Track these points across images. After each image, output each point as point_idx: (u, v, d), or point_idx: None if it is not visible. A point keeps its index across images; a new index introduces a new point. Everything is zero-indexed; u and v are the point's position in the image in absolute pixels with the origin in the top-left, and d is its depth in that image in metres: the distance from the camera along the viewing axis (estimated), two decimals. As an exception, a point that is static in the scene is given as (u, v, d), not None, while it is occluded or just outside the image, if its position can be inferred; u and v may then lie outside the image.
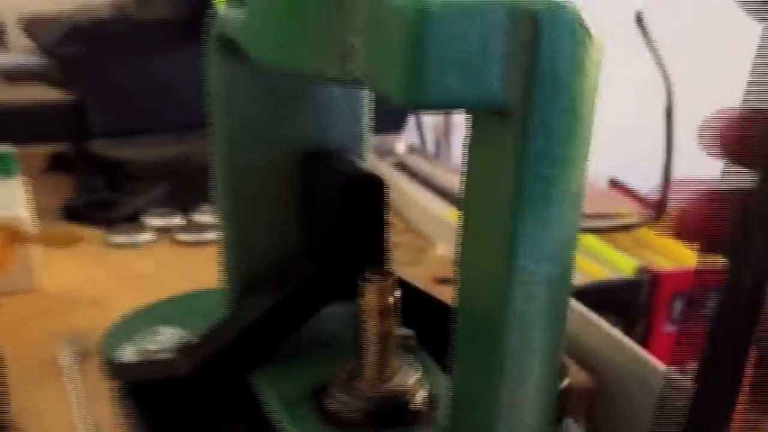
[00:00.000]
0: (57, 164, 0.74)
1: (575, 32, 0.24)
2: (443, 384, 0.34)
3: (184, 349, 0.39)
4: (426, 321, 0.37)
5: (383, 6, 0.24)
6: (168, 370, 0.38)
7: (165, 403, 0.37)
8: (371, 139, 0.40)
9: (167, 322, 0.42)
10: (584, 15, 0.24)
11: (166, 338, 0.41)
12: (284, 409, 0.34)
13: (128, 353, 0.40)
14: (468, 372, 0.28)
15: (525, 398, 0.28)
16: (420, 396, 0.34)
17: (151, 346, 0.41)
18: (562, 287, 0.27)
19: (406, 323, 0.35)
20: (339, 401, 0.33)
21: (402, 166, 0.83)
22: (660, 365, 0.40)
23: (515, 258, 0.26)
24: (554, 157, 0.25)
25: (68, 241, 0.51)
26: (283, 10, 0.27)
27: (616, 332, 0.44)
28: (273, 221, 0.40)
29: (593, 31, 0.24)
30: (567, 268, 0.27)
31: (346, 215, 0.36)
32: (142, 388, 0.38)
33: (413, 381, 0.34)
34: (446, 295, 0.35)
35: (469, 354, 0.28)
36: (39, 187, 0.65)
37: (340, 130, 0.39)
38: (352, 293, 0.33)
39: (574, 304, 0.44)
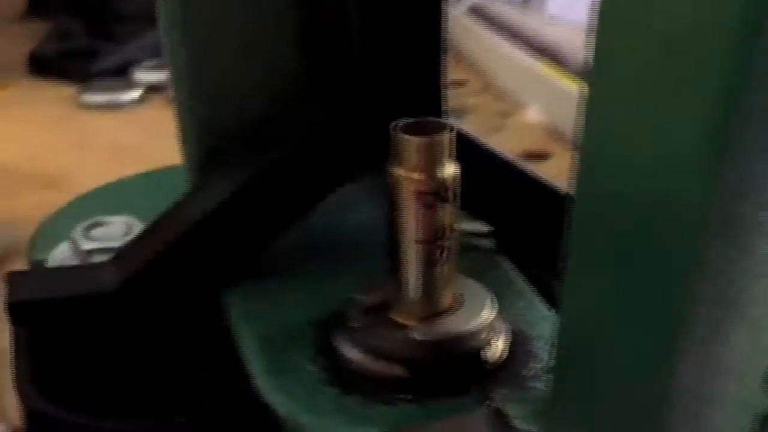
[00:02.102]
0: (35, 8, 0.63)
1: None
2: (543, 320, 0.24)
3: (120, 251, 0.27)
4: (512, 212, 0.27)
5: None
6: (90, 283, 0.26)
7: (86, 334, 0.26)
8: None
9: (123, 208, 0.33)
10: None
11: (110, 232, 0.31)
12: (263, 354, 0.23)
13: (59, 254, 0.30)
14: (596, 303, 0.17)
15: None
16: (499, 342, 0.23)
17: (88, 245, 0.31)
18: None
19: (477, 214, 0.26)
20: (355, 346, 0.23)
21: (479, 12, 0.71)
22: None
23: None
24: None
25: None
26: None
27: None
28: (254, 50, 0.26)
29: None
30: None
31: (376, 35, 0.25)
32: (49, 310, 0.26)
33: (487, 315, 0.23)
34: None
35: (597, 275, 0.16)
36: (7, 36, 0.54)
37: None
38: (382, 165, 0.22)
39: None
